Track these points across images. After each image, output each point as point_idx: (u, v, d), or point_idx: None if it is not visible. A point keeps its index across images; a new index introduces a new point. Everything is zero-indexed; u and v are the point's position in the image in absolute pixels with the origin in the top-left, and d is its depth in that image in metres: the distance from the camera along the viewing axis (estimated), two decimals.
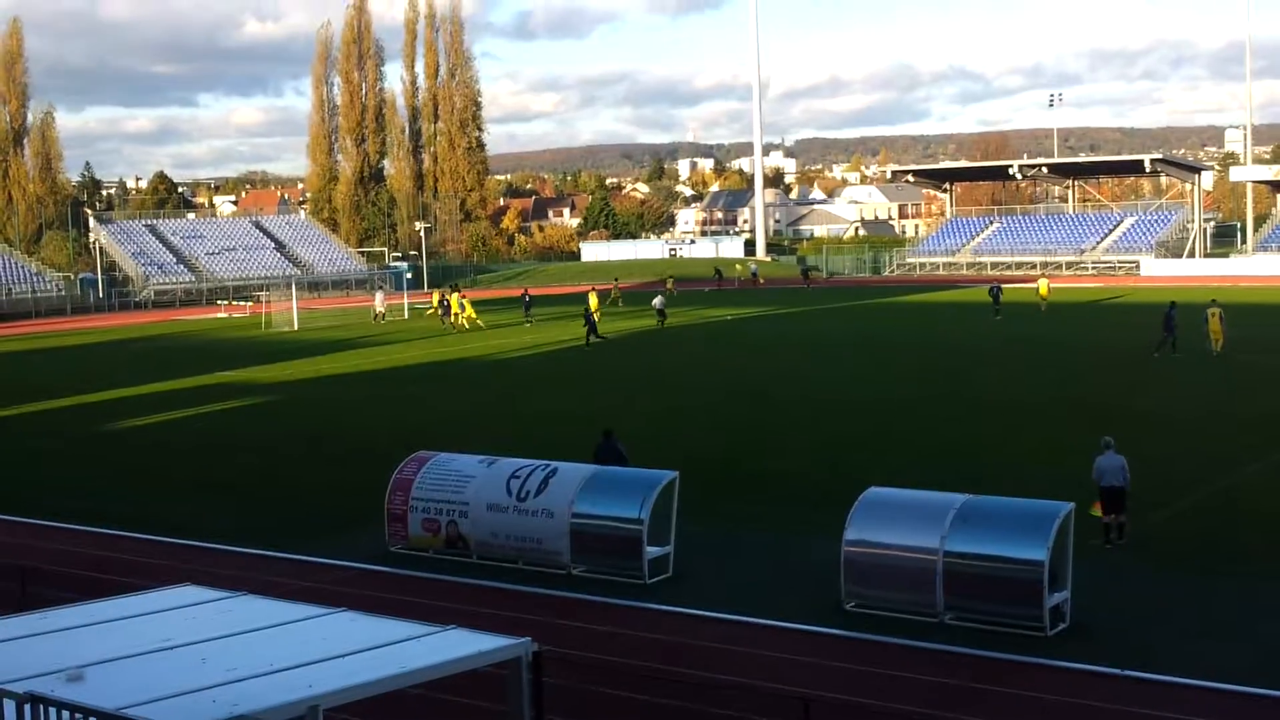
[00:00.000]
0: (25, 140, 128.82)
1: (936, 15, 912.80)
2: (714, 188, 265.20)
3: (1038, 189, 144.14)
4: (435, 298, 74.61)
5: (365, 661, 10.81)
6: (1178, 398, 38.24)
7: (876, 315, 72.15)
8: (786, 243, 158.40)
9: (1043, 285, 72.91)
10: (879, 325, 65.59)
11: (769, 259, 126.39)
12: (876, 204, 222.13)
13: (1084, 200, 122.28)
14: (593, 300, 65.65)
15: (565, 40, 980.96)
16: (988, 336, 57.67)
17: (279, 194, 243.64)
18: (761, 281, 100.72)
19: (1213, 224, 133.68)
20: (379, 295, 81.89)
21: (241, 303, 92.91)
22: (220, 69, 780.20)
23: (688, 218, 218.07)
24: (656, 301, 67.66)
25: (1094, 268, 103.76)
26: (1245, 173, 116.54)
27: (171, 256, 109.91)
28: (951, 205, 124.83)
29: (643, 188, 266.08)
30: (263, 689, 10.03)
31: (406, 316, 78.53)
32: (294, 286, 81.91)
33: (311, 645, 11.21)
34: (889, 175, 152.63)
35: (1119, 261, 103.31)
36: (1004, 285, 70.51)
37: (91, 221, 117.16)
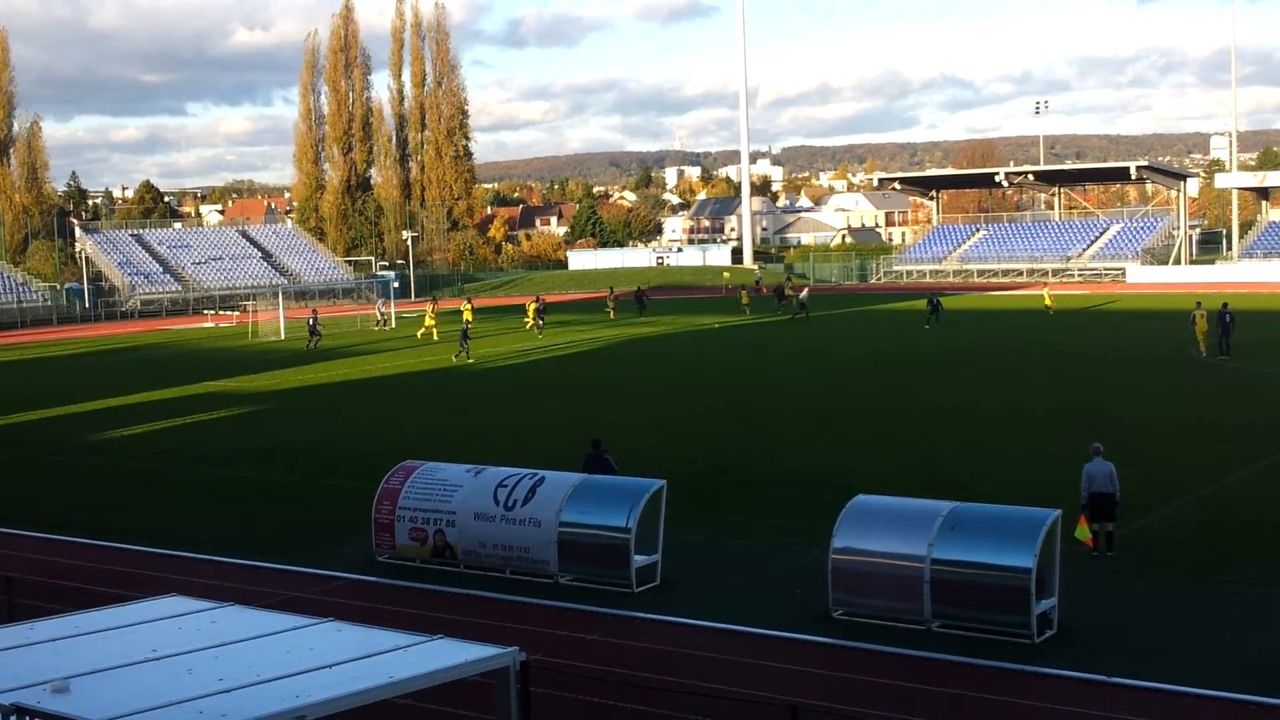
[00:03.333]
0: (11, 150, 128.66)
1: (927, 23, 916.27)
2: (701, 196, 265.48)
3: (1024, 196, 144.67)
4: (531, 308, 74.07)
5: (352, 671, 10.80)
6: (1161, 405, 38.34)
7: (863, 323, 72.20)
8: (774, 250, 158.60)
9: (1046, 294, 75.84)
10: (865, 333, 65.70)
11: (756, 267, 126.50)
12: (863, 211, 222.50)
13: (1070, 207, 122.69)
14: (466, 313, 67.11)
15: (555, 48, 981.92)
16: (973, 343, 57.77)
17: (266, 203, 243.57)
18: (765, 291, 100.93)
19: (1198, 231, 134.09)
20: (380, 303, 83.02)
21: (228, 312, 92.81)
22: (209, 78, 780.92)
23: (675, 226, 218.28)
24: (803, 295, 77.29)
25: (1080, 275, 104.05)
26: (1230, 179, 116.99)
27: (158, 266, 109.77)
28: (938, 213, 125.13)
29: (630, 196, 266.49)
30: (250, 699, 10.02)
31: (394, 326, 78.46)
32: (281, 296, 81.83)
33: (298, 655, 11.19)
34: (876, 183, 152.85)
35: (1105, 269, 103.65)
36: (943, 295, 73.79)
37: (78, 231, 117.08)
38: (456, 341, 58.84)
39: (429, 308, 72.31)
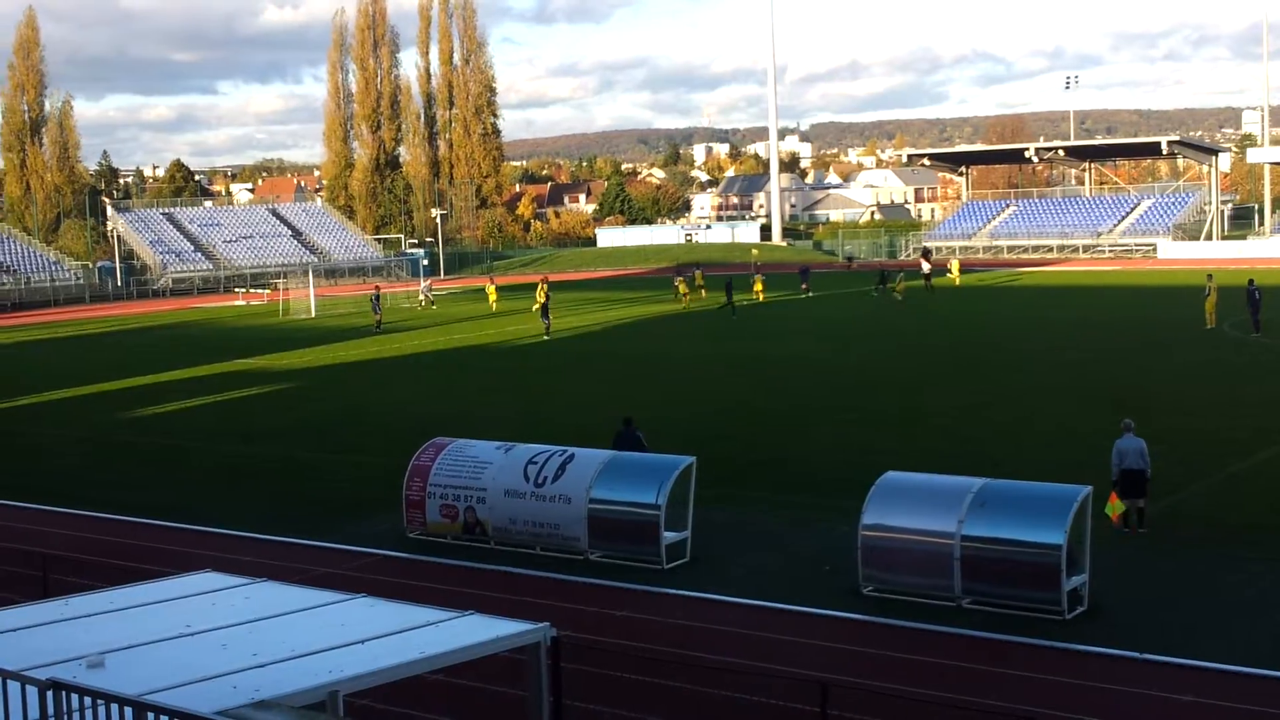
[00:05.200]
0: (43, 129, 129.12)
1: None
2: (729, 173, 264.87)
3: (1054, 172, 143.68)
4: (682, 285, 73.38)
5: (384, 647, 10.84)
6: (1192, 381, 38.13)
7: (891, 300, 71.83)
8: (802, 227, 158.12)
9: (899, 283, 75.12)
10: (893, 310, 65.41)
11: (785, 243, 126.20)
12: (892, 188, 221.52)
13: (1101, 183, 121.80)
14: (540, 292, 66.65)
15: (584, 24, 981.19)
16: (997, 321, 57.56)
17: (295, 181, 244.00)
18: (853, 266, 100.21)
19: (1230, 206, 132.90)
20: (424, 283, 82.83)
21: (259, 290, 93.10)
22: (239, 56, 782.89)
23: (703, 203, 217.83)
24: (926, 269, 79.15)
25: (1111, 251, 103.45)
26: (1262, 154, 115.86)
27: (189, 244, 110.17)
28: (968, 189, 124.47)
29: (658, 173, 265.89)
30: (283, 674, 10.07)
31: (425, 302, 78.59)
32: (311, 274, 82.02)
33: (331, 631, 11.23)
34: (905, 159, 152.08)
35: (1136, 244, 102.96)
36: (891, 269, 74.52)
37: (109, 210, 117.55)
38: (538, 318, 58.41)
39: (541, 285, 70.32)
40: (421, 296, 79.67)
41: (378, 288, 70.98)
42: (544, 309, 58.66)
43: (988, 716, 13.98)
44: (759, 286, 73.64)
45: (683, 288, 73.38)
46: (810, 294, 74.50)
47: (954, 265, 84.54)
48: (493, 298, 72.66)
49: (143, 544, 23.72)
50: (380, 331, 62.11)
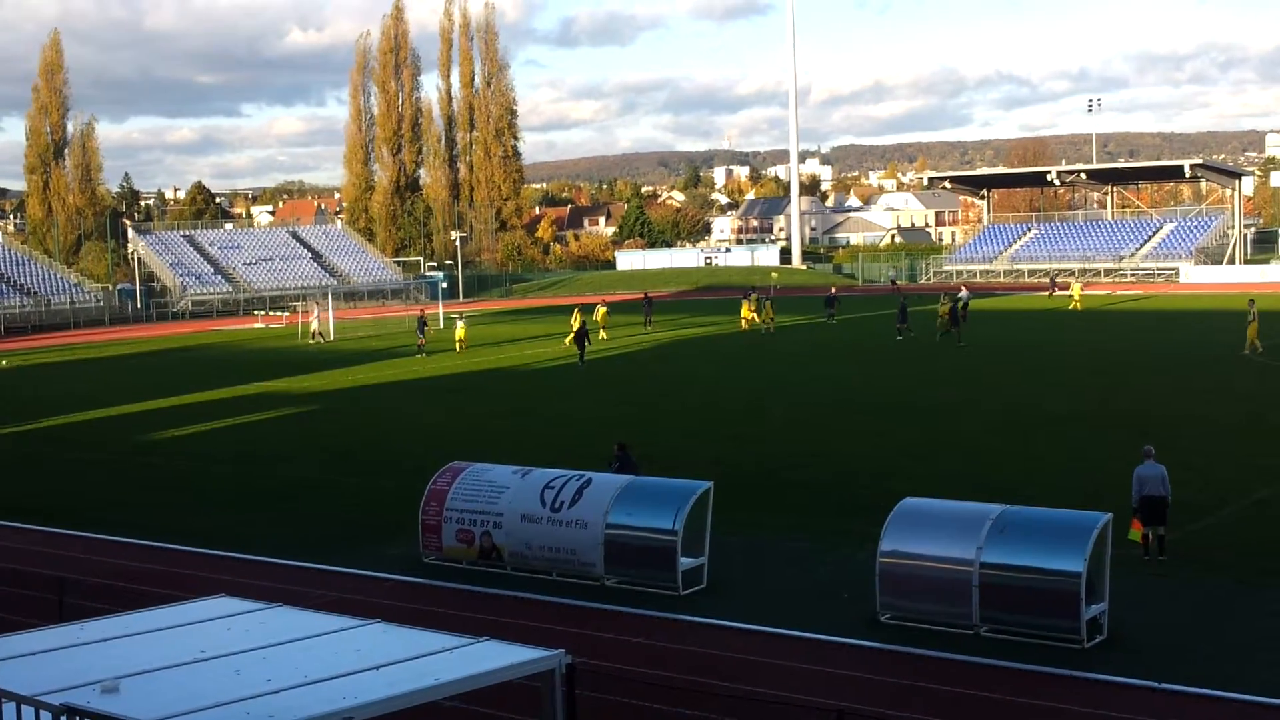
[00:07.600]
0: (66, 151, 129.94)
1: (985, 20, 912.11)
2: (750, 195, 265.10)
3: (1076, 195, 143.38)
4: (745, 307, 71.55)
5: (399, 673, 10.82)
6: (1218, 405, 37.92)
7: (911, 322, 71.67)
8: (822, 250, 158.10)
9: (1075, 289, 79.85)
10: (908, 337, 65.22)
11: (804, 267, 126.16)
12: (913, 211, 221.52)
13: (1123, 206, 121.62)
14: (599, 314, 66.69)
15: (608, 47, 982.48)
16: (1019, 343, 57.37)
17: (316, 204, 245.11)
18: (899, 286, 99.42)
19: (1253, 230, 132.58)
20: (315, 311, 76.55)
21: (278, 313, 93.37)
22: (263, 78, 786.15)
23: (723, 226, 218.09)
24: (963, 294, 74.08)
25: (1133, 275, 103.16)
26: None
27: (209, 267, 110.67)
28: (989, 212, 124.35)
29: (678, 196, 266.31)
30: (297, 700, 10.05)
31: (442, 326, 78.74)
32: (330, 296, 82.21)
33: (345, 657, 11.22)
34: (926, 182, 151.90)
35: (1158, 268, 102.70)
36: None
37: (130, 232, 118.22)
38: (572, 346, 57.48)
39: (600, 309, 69.12)
40: (315, 328, 74.28)
41: (423, 310, 70.68)
42: (580, 337, 56.38)
43: None
44: (745, 313, 70.52)
45: (746, 310, 71.77)
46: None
47: (1075, 287, 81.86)
48: (460, 335, 64.35)
49: (158, 568, 23.73)
50: (421, 353, 62.00)
